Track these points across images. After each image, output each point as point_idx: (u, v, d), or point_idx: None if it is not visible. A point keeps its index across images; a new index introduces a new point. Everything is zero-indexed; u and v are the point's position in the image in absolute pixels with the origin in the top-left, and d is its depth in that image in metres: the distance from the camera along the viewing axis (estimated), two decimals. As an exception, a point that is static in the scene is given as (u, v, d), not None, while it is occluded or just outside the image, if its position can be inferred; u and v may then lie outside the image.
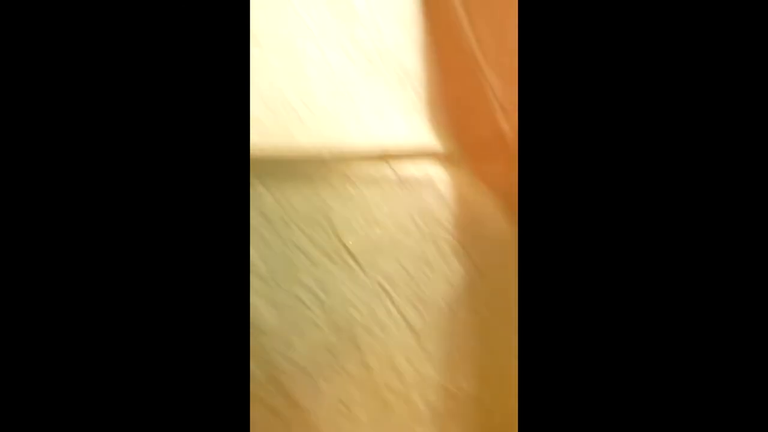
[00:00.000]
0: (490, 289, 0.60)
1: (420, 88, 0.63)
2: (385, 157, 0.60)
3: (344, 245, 0.56)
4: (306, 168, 0.53)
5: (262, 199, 0.50)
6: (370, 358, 0.56)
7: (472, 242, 0.61)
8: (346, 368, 0.55)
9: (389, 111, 0.62)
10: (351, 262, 0.56)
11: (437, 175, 0.61)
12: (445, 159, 0.63)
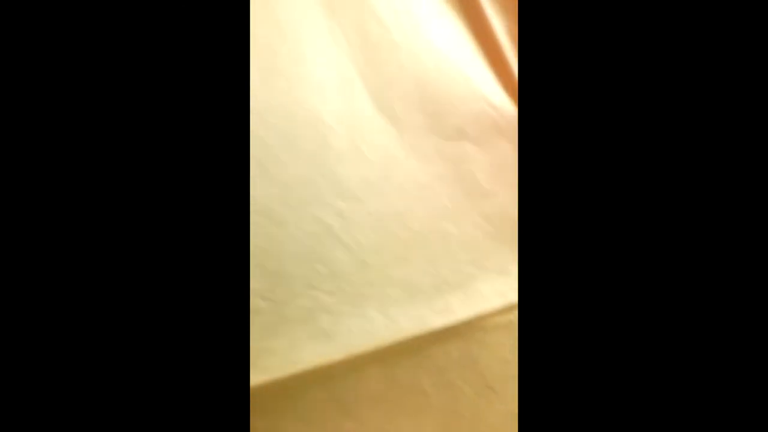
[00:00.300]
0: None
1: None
2: (510, 308, 0.78)
3: (486, 382, 0.74)
4: (462, 329, 0.73)
5: (437, 363, 0.70)
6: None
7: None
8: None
9: (509, 266, 0.79)
10: (492, 395, 0.74)
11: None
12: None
